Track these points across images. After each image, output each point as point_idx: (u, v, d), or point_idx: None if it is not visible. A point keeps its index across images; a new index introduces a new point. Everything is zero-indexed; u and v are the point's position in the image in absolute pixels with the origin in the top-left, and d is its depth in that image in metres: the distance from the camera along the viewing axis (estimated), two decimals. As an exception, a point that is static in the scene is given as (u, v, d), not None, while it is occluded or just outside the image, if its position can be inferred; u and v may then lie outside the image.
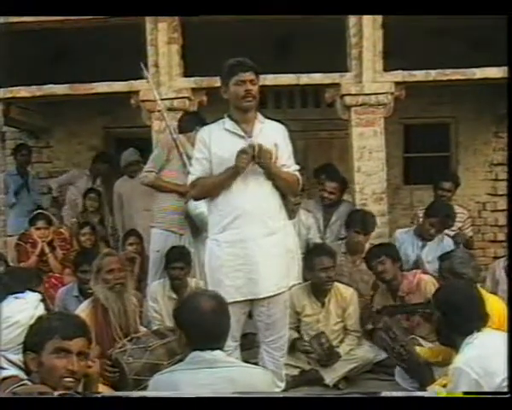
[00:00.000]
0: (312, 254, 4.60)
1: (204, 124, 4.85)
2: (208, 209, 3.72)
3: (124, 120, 7.56)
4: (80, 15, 3.36)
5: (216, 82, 5.61)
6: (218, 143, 3.58)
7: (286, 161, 3.65)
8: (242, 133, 3.58)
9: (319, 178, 6.06)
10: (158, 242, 5.08)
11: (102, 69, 5.56)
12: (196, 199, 3.99)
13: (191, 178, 3.66)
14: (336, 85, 5.69)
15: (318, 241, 5.48)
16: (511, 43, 3.30)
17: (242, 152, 3.45)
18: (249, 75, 3.49)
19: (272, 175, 3.56)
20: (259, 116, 3.66)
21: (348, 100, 5.67)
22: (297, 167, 3.72)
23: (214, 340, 2.59)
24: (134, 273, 5.31)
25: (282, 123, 3.78)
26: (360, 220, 5.25)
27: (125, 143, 7.47)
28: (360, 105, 5.66)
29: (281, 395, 2.20)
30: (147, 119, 5.74)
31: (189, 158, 4.91)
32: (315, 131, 7.78)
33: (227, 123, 3.61)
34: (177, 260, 4.74)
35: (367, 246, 5.17)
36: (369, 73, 5.62)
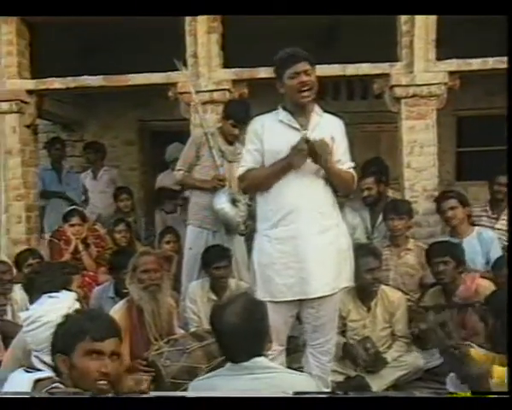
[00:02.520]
0: (357, 254, 4.56)
1: (249, 112, 4.91)
2: (258, 203, 3.73)
3: (160, 113, 7.67)
4: (100, 15, 3.46)
5: (258, 73, 5.76)
6: (272, 134, 3.58)
7: (341, 157, 3.63)
8: (297, 126, 3.56)
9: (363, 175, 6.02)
10: (191, 239, 5.16)
11: (138, 60, 5.64)
12: (246, 192, 4.02)
13: (241, 170, 3.68)
14: (385, 76, 5.65)
15: (365, 240, 5.45)
16: (511, 43, 3.42)
17: (297, 150, 3.45)
18: (303, 66, 3.47)
19: (327, 171, 3.55)
20: (317, 108, 3.65)
21: (398, 91, 5.63)
22: (352, 164, 3.71)
23: (253, 348, 2.58)
24: (171, 273, 5.37)
25: (340, 117, 3.76)
26: (393, 207, 5.23)
27: (162, 136, 7.59)
28: (411, 97, 5.61)
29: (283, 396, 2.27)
30: (185, 111, 5.80)
31: (222, 153, 5.02)
32: (361, 124, 7.75)
33: (281, 114, 3.60)
34: (221, 259, 4.78)
35: (412, 240, 5.20)
36: (420, 63, 5.56)
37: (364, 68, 5.65)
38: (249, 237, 5.23)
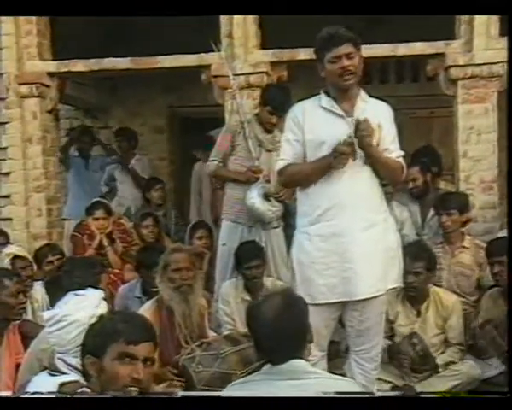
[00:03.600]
0: (406, 252, 4.55)
1: (289, 97, 4.95)
2: (298, 198, 3.77)
3: (192, 99, 7.75)
4: (111, 15, 3.61)
5: (298, 54, 5.79)
6: (313, 122, 3.59)
7: (389, 145, 3.64)
8: (341, 112, 3.57)
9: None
10: (225, 234, 5.25)
11: (169, 41, 5.70)
12: (286, 187, 4.05)
13: (280, 164, 3.71)
14: (440, 56, 5.62)
15: (414, 238, 5.44)
16: (511, 42, 3.38)
17: (339, 153, 3.47)
18: (345, 48, 3.47)
19: (373, 159, 3.56)
20: (362, 93, 3.65)
21: (455, 72, 5.60)
22: (401, 153, 3.71)
23: (292, 349, 2.59)
24: (202, 271, 5.43)
25: (387, 102, 3.77)
26: (442, 201, 5.21)
27: (194, 124, 7.66)
28: (469, 78, 5.57)
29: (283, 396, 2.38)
30: (219, 97, 5.85)
31: (259, 142, 5.10)
32: (412, 109, 7.71)
33: (323, 100, 3.61)
34: (253, 258, 4.83)
35: (469, 237, 5.17)
36: (481, 40, 5.49)
37: (417, 48, 5.63)
38: (290, 232, 5.31)
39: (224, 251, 5.23)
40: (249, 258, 4.83)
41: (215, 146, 5.26)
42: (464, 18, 5.54)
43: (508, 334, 2.89)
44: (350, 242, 3.56)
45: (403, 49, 5.63)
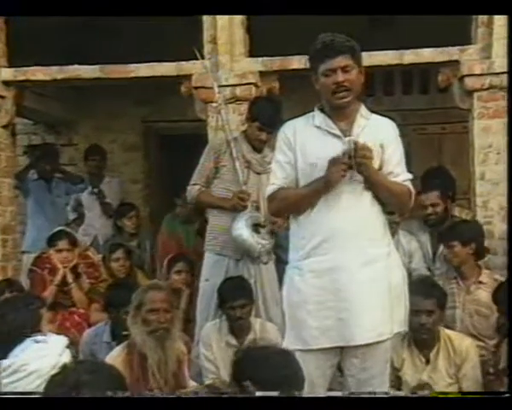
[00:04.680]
0: (413, 290, 4.53)
1: (280, 112, 4.99)
2: (291, 228, 3.76)
3: (170, 113, 7.78)
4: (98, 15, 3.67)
5: (291, 63, 5.78)
6: (306, 143, 3.60)
7: (394, 168, 3.64)
8: (338, 132, 3.57)
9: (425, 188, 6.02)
10: (208, 268, 5.23)
11: (144, 47, 5.72)
12: (276, 215, 4.05)
13: (270, 190, 3.71)
14: (454, 63, 5.66)
15: (424, 272, 5.44)
16: (511, 42, 4.00)
17: (336, 163, 3.47)
18: (340, 61, 3.47)
19: (375, 184, 3.56)
20: (363, 109, 3.65)
21: (470, 82, 5.62)
22: (409, 176, 3.71)
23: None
24: (181, 310, 5.40)
25: (392, 119, 3.77)
26: (447, 230, 5.23)
27: (171, 141, 7.66)
28: (487, 89, 5.59)
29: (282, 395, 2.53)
30: (201, 111, 5.85)
31: (247, 163, 5.10)
32: (421, 124, 7.76)
33: (317, 117, 3.62)
34: (238, 296, 4.81)
35: (487, 271, 5.18)
36: (501, 44, 5.48)
37: (426, 55, 5.66)
38: (282, 267, 5.30)
39: (206, 288, 5.20)
40: (234, 296, 4.81)
41: (197, 168, 5.25)
42: (482, 19, 5.54)
43: (508, 334, 3.05)
44: (347, 279, 3.54)
45: (410, 57, 5.65)
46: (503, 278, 4.97)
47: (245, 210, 5.01)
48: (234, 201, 5.03)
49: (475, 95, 5.65)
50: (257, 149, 5.16)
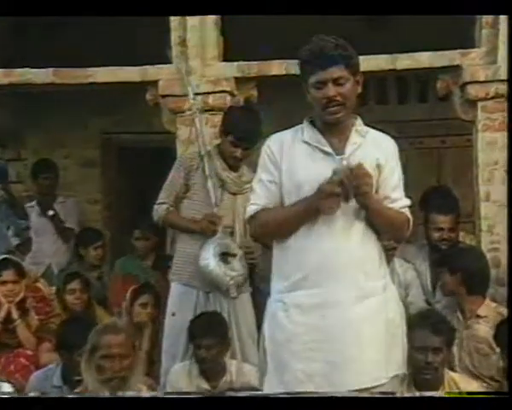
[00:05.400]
0: (411, 326, 4.54)
1: (257, 124, 5.01)
2: (274, 256, 3.74)
3: (133, 123, 7.77)
4: (89, 15, 3.74)
5: (271, 68, 5.72)
6: (293, 161, 3.59)
7: (391, 193, 3.63)
8: (329, 149, 3.56)
9: (426, 210, 6.03)
10: (175, 301, 5.22)
11: (104, 49, 5.71)
12: (258, 240, 4.05)
13: (251, 209, 3.69)
14: (455, 69, 5.69)
15: (423, 305, 5.45)
16: (511, 43, 4.36)
17: (327, 195, 3.45)
18: (332, 72, 3.45)
19: (370, 212, 3.56)
20: (359, 124, 3.64)
21: (473, 90, 5.64)
22: (407, 203, 3.70)
23: None
24: (143, 351, 5.36)
25: (392, 136, 3.77)
26: (444, 254, 5.28)
27: (135, 155, 7.61)
28: (492, 98, 5.62)
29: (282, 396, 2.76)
30: (169, 122, 5.85)
31: (222, 181, 5.12)
32: (418, 137, 7.79)
33: (307, 132, 3.61)
34: (207, 335, 4.81)
35: (494, 304, 5.17)
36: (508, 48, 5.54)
37: (424, 59, 5.69)
38: (261, 300, 5.28)
39: (173, 324, 5.18)
40: (204, 334, 4.80)
41: (165, 185, 5.25)
42: (486, 19, 5.58)
43: (508, 334, 3.31)
44: (338, 316, 3.53)
45: (405, 61, 5.68)
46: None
47: (214, 236, 5.01)
48: (203, 224, 5.03)
49: (479, 104, 5.67)
50: (232, 166, 5.15)
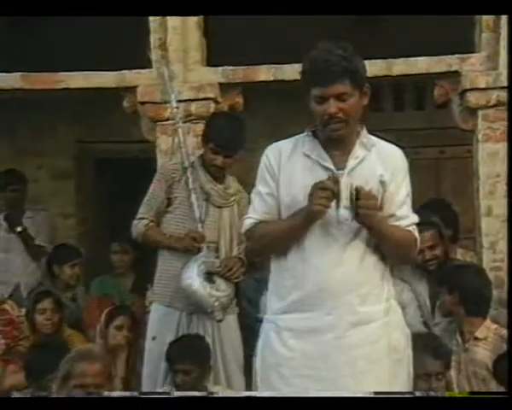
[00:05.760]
0: (420, 349, 4.54)
1: (241, 132, 5.04)
2: (271, 273, 3.77)
3: (110, 132, 7.76)
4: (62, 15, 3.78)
5: (259, 73, 5.72)
6: (292, 174, 3.61)
7: (396, 210, 3.63)
8: (330, 164, 3.58)
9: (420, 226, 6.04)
10: (155, 324, 5.23)
11: (78, 52, 5.70)
12: (256, 256, 4.07)
13: (247, 223, 3.72)
14: (453, 75, 5.71)
15: (420, 328, 5.45)
16: (511, 43, 4.50)
17: (320, 188, 3.45)
18: (335, 89, 3.45)
19: (373, 233, 3.57)
20: (364, 136, 3.65)
21: (473, 98, 5.66)
22: (414, 220, 3.71)
23: None
24: (118, 375, 5.34)
25: (401, 147, 3.77)
26: (443, 272, 5.28)
27: (113, 166, 7.59)
28: (494, 106, 5.65)
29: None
30: (148, 131, 5.85)
31: (206, 194, 5.13)
32: (415, 147, 7.76)
33: (308, 144, 3.63)
34: (185, 359, 4.82)
35: (494, 326, 5.15)
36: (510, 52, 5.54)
37: (421, 64, 5.71)
38: (248, 322, 5.27)
39: (153, 348, 5.19)
40: (181, 358, 4.83)
41: (145, 199, 5.25)
42: (487, 21, 5.59)
43: (508, 334, 3.51)
44: (334, 343, 3.54)
45: (400, 67, 5.70)
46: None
47: (198, 254, 5.01)
48: (186, 241, 5.04)
49: (479, 113, 5.70)
50: (217, 177, 5.17)
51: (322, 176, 3.52)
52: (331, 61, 3.44)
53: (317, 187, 3.45)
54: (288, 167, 3.62)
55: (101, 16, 4.09)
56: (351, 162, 3.58)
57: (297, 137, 3.69)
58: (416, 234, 3.70)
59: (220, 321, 5.04)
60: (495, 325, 5.22)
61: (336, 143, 3.58)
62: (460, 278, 5.23)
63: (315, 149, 3.60)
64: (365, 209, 3.46)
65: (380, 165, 3.62)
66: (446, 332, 5.29)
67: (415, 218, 3.70)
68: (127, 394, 2.58)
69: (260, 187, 3.70)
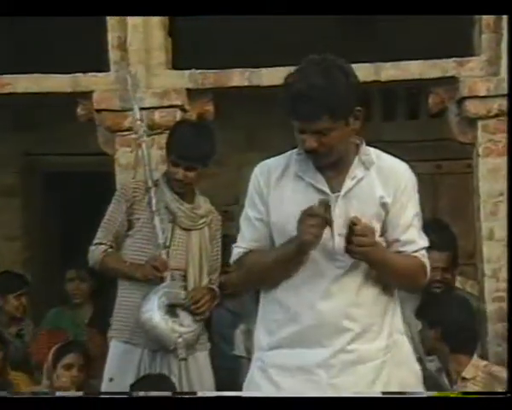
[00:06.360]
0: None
1: (209, 143, 5.04)
2: (261, 306, 3.79)
3: (63, 143, 7.72)
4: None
5: (231, 78, 5.73)
6: (283, 195, 3.63)
7: (401, 235, 3.65)
8: (325, 187, 3.59)
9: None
10: (114, 363, 5.23)
11: (27, 53, 5.70)
12: (247, 288, 4.12)
13: (236, 253, 3.73)
14: (450, 81, 5.75)
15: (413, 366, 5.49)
16: (511, 43, 4.66)
17: (309, 214, 3.45)
18: (312, 125, 3.45)
19: (373, 265, 3.58)
20: (363, 153, 3.65)
21: (473, 106, 5.70)
22: (423, 244, 3.71)
23: None
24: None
25: (406, 162, 3.78)
26: (425, 301, 5.32)
27: (65, 182, 7.57)
28: (495, 116, 5.68)
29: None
30: (105, 142, 5.85)
31: (172, 215, 5.12)
32: (408, 161, 7.79)
33: (300, 163, 3.64)
34: None
35: (480, 363, 5.19)
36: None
37: (413, 69, 5.74)
38: (221, 361, 5.29)
39: (111, 390, 5.14)
40: None
41: (102, 221, 5.24)
42: (487, 21, 5.63)
43: (508, 333, 3.84)
44: (326, 383, 3.57)
45: (390, 72, 5.73)
46: (504, 374, 4.95)
47: (160, 285, 4.99)
48: (146, 270, 5.04)
49: (479, 123, 5.73)
50: (184, 196, 5.16)
51: (316, 199, 3.51)
52: (308, 96, 3.41)
53: (306, 213, 3.45)
54: (279, 189, 3.64)
55: (53, 16, 4.11)
56: (347, 183, 3.59)
57: (288, 154, 3.70)
58: (425, 260, 3.71)
59: (183, 360, 5.02)
60: (484, 362, 5.25)
61: (331, 163, 3.58)
62: (441, 311, 5.25)
63: (308, 169, 3.60)
64: (358, 247, 3.46)
65: (380, 185, 3.63)
66: (439, 371, 5.33)
67: (424, 242, 3.72)
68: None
69: (249, 211, 3.72)
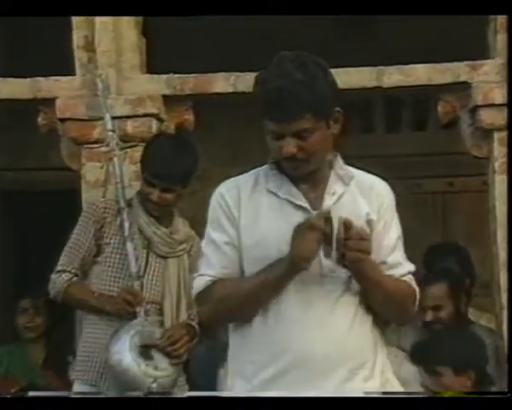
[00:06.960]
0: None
1: (190, 158, 5.09)
2: (232, 344, 3.78)
3: (19, 157, 7.73)
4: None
5: (213, 83, 5.77)
6: (255, 215, 3.63)
7: (387, 256, 3.67)
8: (303, 202, 3.61)
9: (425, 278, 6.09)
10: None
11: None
12: (212, 324, 4.09)
13: (200, 283, 3.71)
14: (462, 87, 5.80)
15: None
16: (511, 43, 4.90)
17: (308, 227, 3.46)
18: (291, 126, 3.47)
19: (365, 283, 3.60)
20: (340, 167, 3.70)
21: (487, 116, 5.73)
22: (411, 268, 3.75)
23: None
24: None
25: (386, 180, 3.79)
26: (441, 343, 5.32)
27: (24, 200, 7.59)
28: (513, 127, 5.71)
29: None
30: (70, 156, 5.85)
31: (147, 241, 5.15)
32: (415, 179, 7.87)
33: (273, 179, 3.67)
34: None
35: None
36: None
37: (420, 73, 5.79)
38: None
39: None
40: None
41: (67, 245, 5.25)
42: (501, 20, 5.65)
43: (508, 333, 4.37)
44: None
45: (394, 77, 5.77)
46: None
47: (133, 322, 5.01)
48: (117, 304, 5.05)
49: (496, 135, 5.74)
50: (160, 219, 5.18)
51: (294, 216, 3.54)
52: (287, 91, 3.42)
53: (304, 227, 3.45)
54: (250, 209, 3.64)
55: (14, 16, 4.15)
56: (327, 200, 3.61)
57: (256, 171, 3.72)
58: (414, 284, 3.73)
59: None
60: None
61: (309, 175, 3.61)
62: (475, 351, 5.28)
63: (282, 184, 3.63)
64: (355, 252, 3.46)
65: (364, 201, 3.67)
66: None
67: (410, 266, 3.75)
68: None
69: (215, 235, 3.70)
